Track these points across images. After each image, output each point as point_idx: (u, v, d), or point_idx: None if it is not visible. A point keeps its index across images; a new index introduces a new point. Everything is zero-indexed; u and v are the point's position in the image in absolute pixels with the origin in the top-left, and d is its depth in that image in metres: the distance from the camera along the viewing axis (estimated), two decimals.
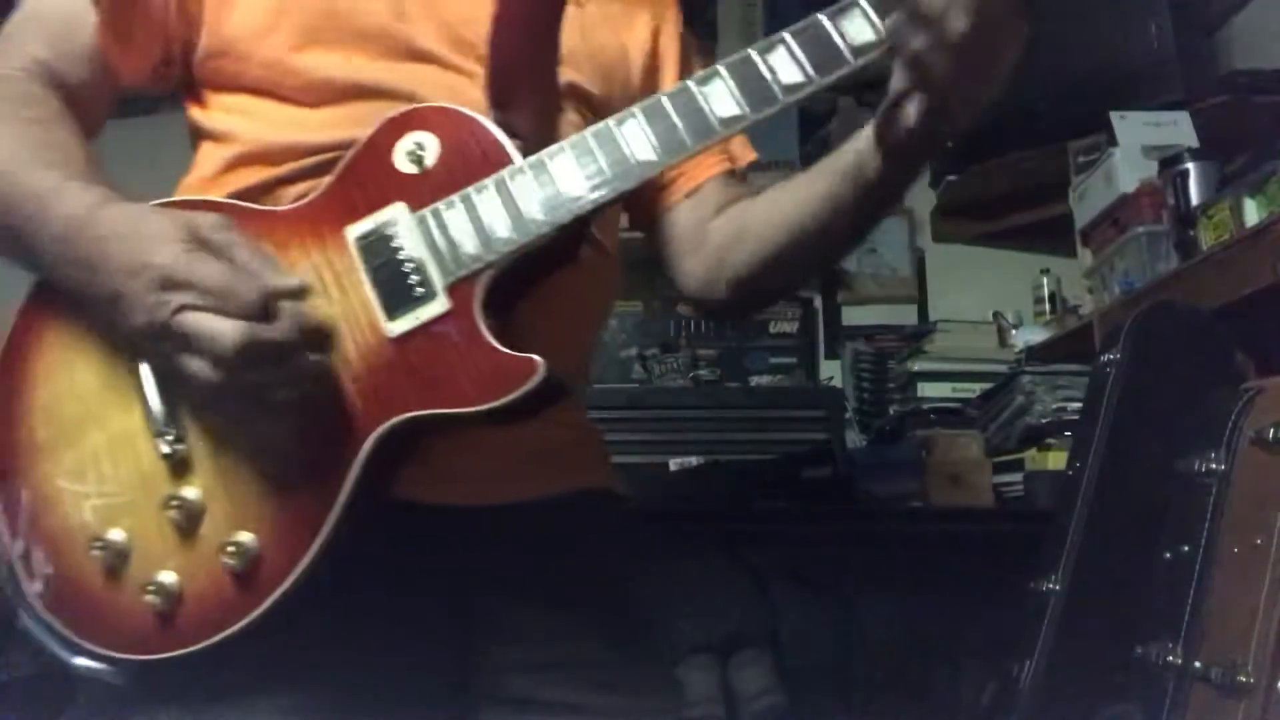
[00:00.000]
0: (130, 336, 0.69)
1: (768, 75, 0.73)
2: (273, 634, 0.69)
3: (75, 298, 0.72)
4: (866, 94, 0.77)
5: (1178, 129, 2.05)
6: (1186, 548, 1.17)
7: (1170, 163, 1.93)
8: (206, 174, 0.85)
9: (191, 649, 0.69)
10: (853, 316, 2.87)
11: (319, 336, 0.70)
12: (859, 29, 0.72)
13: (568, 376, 0.75)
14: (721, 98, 0.73)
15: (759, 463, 1.99)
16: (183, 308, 0.65)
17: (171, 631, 0.69)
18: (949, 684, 2.07)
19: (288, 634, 0.69)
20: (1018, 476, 2.02)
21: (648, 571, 0.94)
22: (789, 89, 0.72)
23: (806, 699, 2.03)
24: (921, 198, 2.91)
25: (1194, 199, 1.83)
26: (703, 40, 3.13)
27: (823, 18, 0.73)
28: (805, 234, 0.88)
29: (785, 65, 0.72)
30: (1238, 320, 1.46)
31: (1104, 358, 1.34)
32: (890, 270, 2.88)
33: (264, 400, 0.67)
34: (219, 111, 0.85)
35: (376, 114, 0.77)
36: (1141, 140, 2.06)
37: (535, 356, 0.70)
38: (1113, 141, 2.10)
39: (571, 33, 0.87)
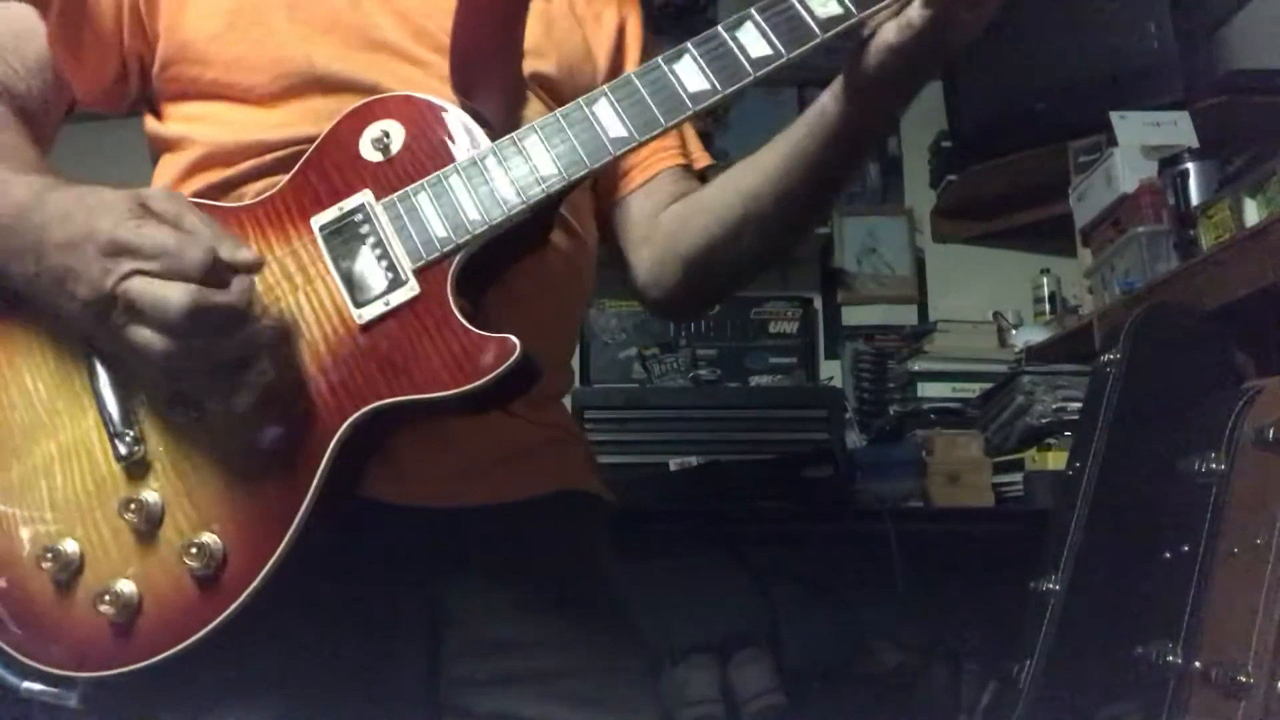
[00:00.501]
0: (79, 315, 0.65)
1: (736, 50, 0.72)
2: (235, 642, 0.66)
3: (23, 292, 0.70)
4: None
5: (1178, 129, 2.05)
6: (1186, 548, 1.17)
7: (1170, 163, 1.93)
8: (165, 183, 0.83)
9: (150, 661, 0.66)
10: (853, 316, 2.87)
11: (278, 314, 0.69)
12: (825, 2, 0.72)
13: (544, 363, 0.74)
14: (691, 74, 0.72)
15: (759, 463, 1.99)
16: (130, 274, 0.62)
17: (129, 644, 0.66)
18: (949, 684, 2.07)
19: (251, 641, 0.67)
20: (1018, 476, 2.02)
21: (631, 577, 0.91)
22: (758, 63, 0.71)
23: (806, 699, 2.03)
24: (921, 198, 2.92)
25: (1194, 199, 1.83)
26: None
27: None
28: (765, 200, 0.85)
29: (754, 40, 0.72)
30: (1238, 320, 1.46)
31: (1104, 358, 1.34)
32: (890, 270, 2.88)
33: (219, 374, 0.65)
34: (176, 121, 0.84)
35: (335, 109, 0.76)
36: (1141, 140, 2.06)
37: (511, 337, 0.68)
38: (1113, 141, 2.10)
39: (536, 25, 0.86)
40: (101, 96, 0.84)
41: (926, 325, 2.67)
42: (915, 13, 0.70)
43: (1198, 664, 1.09)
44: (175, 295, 0.61)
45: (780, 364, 2.70)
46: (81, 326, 0.68)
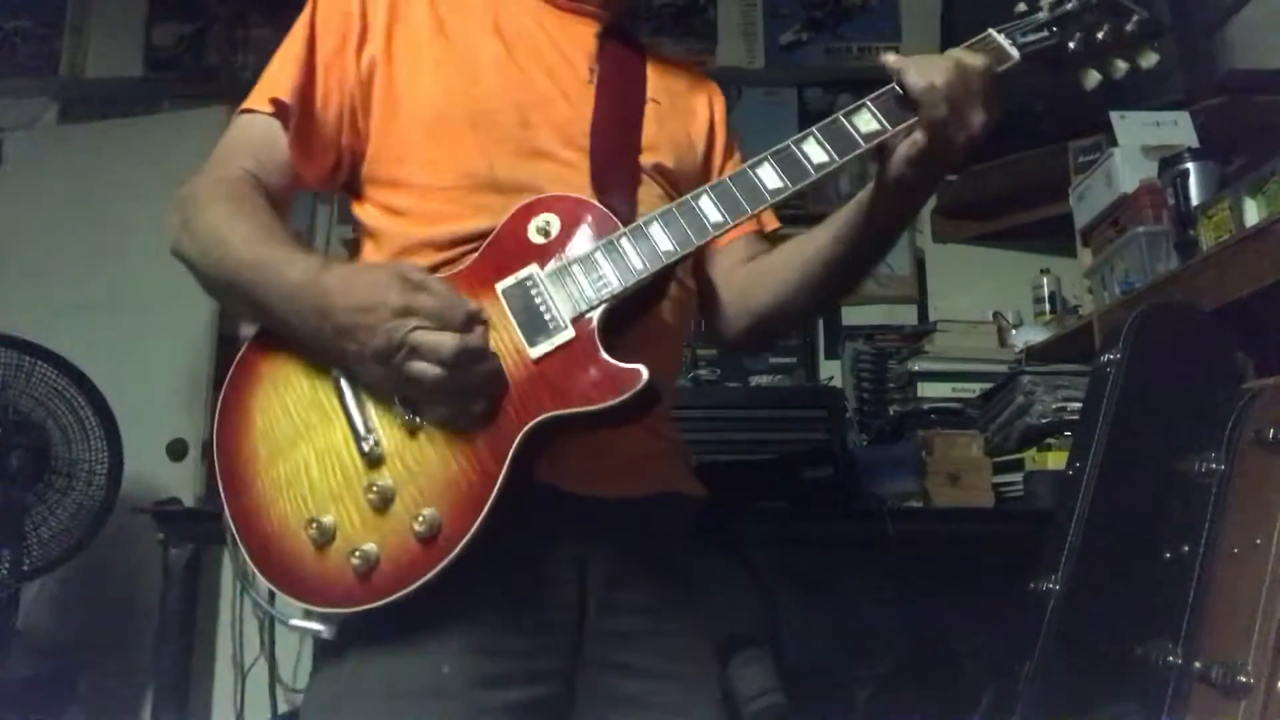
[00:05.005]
0: (361, 357, 0.92)
1: (801, 158, 1.01)
2: (443, 591, 0.90)
3: (299, 338, 0.98)
4: (863, 93, 0.95)
5: (1178, 129, 2.05)
6: (1186, 547, 1.17)
7: (1170, 163, 1.93)
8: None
9: (387, 600, 0.90)
10: (853, 316, 2.87)
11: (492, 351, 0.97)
12: (867, 122, 1.02)
13: (662, 386, 0.98)
14: (769, 175, 1.01)
15: (759, 463, 1.99)
16: (415, 329, 0.90)
17: (370, 588, 0.91)
18: (949, 684, 2.07)
19: (451, 593, 0.91)
20: (1018, 476, 2.02)
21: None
22: (818, 166, 1.01)
23: (806, 699, 2.03)
24: None
25: (1194, 199, 1.84)
26: (703, 40, 3.15)
27: (840, 116, 1.02)
28: (817, 269, 1.14)
29: (814, 150, 1.02)
30: (1238, 320, 1.46)
31: (1104, 358, 1.34)
32: (890, 270, 2.89)
33: (466, 393, 0.92)
34: (377, 210, 1.10)
35: (506, 205, 1.02)
36: (1141, 140, 2.06)
37: (641, 367, 0.94)
38: (1113, 141, 2.11)
39: (651, 125, 1.15)
40: (324, 181, 1.13)
41: (926, 325, 2.68)
42: (919, 133, 0.98)
43: (1198, 664, 1.09)
44: (448, 340, 0.90)
45: (780, 364, 2.70)
46: (358, 363, 0.94)
